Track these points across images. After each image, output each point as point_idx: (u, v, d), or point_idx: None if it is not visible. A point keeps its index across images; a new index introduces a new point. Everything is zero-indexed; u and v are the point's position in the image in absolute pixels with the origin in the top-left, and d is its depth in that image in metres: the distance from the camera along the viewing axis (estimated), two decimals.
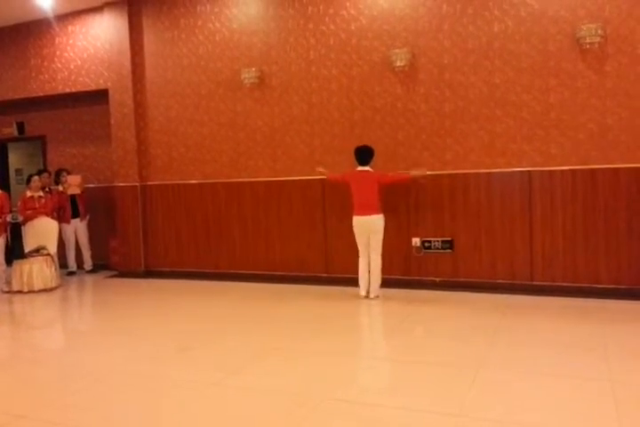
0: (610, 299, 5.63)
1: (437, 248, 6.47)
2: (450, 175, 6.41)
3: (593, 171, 5.83)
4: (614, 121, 5.75)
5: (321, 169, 6.39)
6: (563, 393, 3.34)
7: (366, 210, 5.84)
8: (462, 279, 6.39)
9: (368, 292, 6.00)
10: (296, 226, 7.19)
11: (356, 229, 5.97)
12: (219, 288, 7.07)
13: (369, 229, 5.88)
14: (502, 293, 6.04)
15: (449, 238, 6.44)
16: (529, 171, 6.09)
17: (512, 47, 6.09)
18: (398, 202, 6.64)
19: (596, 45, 5.74)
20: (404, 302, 5.90)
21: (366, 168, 5.91)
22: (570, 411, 3.09)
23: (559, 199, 5.98)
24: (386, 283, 6.59)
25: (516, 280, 6.17)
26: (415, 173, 6.04)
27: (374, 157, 5.96)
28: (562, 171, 5.96)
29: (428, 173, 6.31)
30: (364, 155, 5.95)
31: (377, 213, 5.86)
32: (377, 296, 5.94)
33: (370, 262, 5.96)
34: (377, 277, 5.96)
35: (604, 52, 5.75)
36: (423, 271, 6.57)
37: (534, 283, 6.09)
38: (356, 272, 6.26)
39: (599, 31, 5.67)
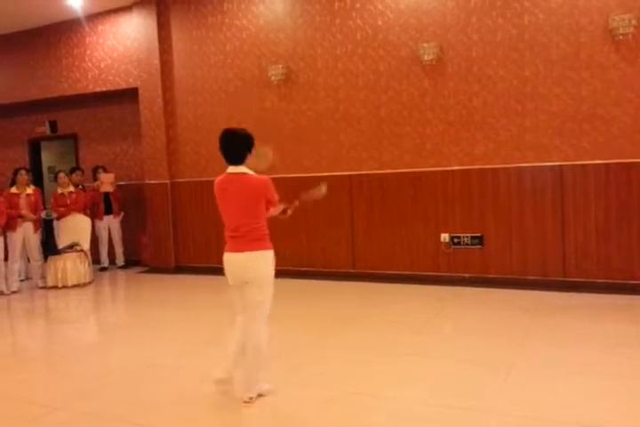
0: None
1: (467, 244, 6.42)
2: (479, 170, 6.34)
3: (627, 165, 5.71)
4: None
5: None
6: (596, 391, 3.29)
7: (238, 243, 3.31)
8: (492, 276, 6.32)
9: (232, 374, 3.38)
10: (323, 222, 7.20)
11: (227, 276, 3.41)
12: None
13: (244, 276, 3.32)
14: (534, 289, 5.96)
15: (478, 234, 6.37)
16: (560, 165, 5.98)
17: (542, 39, 5.98)
18: (427, 197, 6.60)
19: (630, 36, 5.60)
20: (433, 299, 5.86)
21: (240, 169, 3.32)
22: (603, 408, 3.04)
23: (592, 194, 5.86)
24: (414, 279, 6.58)
25: (547, 277, 6.08)
26: (309, 195, 3.95)
27: (253, 150, 3.39)
28: (594, 165, 5.84)
29: (460, 166, 6.22)
30: (233, 147, 3.32)
31: (256, 247, 3.31)
32: (250, 399, 3.28)
33: (245, 336, 3.35)
34: (255, 365, 3.33)
35: (638, 43, 5.61)
36: (452, 268, 6.52)
37: (567, 279, 5.99)
38: (383, 267, 6.21)
39: (633, 22, 5.54)
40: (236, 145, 3.32)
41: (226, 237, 3.39)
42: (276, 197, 3.46)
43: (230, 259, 3.35)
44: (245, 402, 3.29)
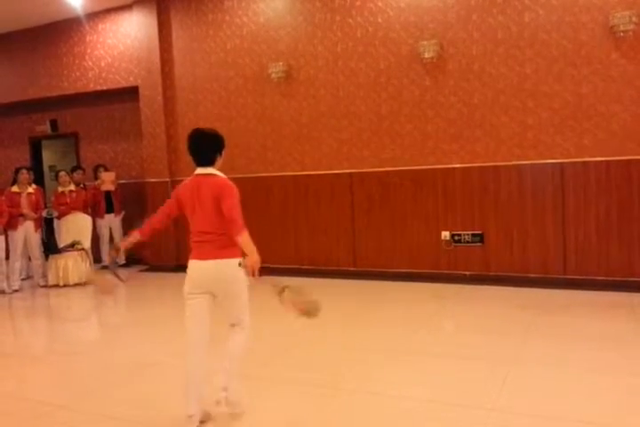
0: None
1: (467, 242, 6.42)
2: (480, 168, 6.34)
3: (628, 162, 5.70)
4: None
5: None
6: (597, 388, 3.30)
7: (205, 250, 3.03)
8: (493, 273, 6.33)
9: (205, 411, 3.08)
10: (324, 220, 7.21)
11: (188, 285, 3.06)
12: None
13: (212, 288, 3.04)
14: (534, 287, 5.96)
15: (479, 232, 6.38)
16: (561, 163, 5.98)
17: (543, 36, 5.97)
18: (427, 195, 6.61)
19: (631, 33, 5.60)
20: (434, 297, 5.86)
21: (209, 170, 3.09)
22: (603, 405, 3.05)
23: (593, 191, 5.86)
24: (415, 277, 6.59)
25: (548, 274, 6.08)
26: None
27: (223, 151, 3.15)
28: (595, 162, 5.84)
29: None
30: (203, 147, 3.10)
31: (225, 254, 3.02)
32: (234, 402, 3.08)
33: (229, 345, 3.12)
34: (237, 369, 3.11)
35: (639, 40, 5.60)
36: (453, 265, 6.53)
37: (567, 277, 6.00)
38: (384, 265, 6.16)
39: (633, 19, 5.53)
40: (205, 146, 3.08)
41: (191, 242, 3.08)
42: (237, 202, 2.99)
43: (197, 266, 3.04)
44: (236, 414, 3.11)
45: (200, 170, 3.09)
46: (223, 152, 3.15)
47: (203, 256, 3.02)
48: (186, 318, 3.06)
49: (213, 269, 3.00)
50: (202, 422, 3.03)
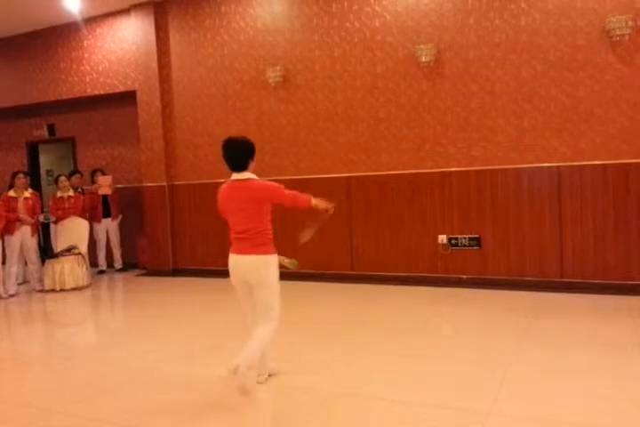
0: None
1: (464, 245, 6.42)
2: (477, 171, 6.34)
3: (624, 165, 5.71)
4: None
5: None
6: (593, 391, 3.29)
7: (243, 246, 3.47)
8: (490, 277, 6.32)
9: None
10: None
11: (231, 278, 3.60)
12: None
13: (248, 279, 3.49)
14: (531, 290, 5.96)
15: (476, 235, 6.37)
16: (558, 166, 5.99)
17: (540, 40, 6.00)
18: (424, 199, 6.61)
19: (627, 37, 5.62)
20: (431, 301, 5.86)
21: (245, 175, 3.48)
22: (600, 409, 3.03)
23: (589, 195, 5.87)
24: (412, 281, 6.58)
25: (545, 277, 6.08)
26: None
27: (255, 156, 3.54)
28: (592, 166, 5.85)
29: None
30: (236, 154, 3.47)
31: (260, 251, 3.47)
32: (236, 369, 3.23)
33: (255, 331, 3.52)
34: (255, 347, 3.40)
35: (635, 44, 5.63)
36: (450, 269, 6.52)
37: (564, 280, 5.99)
38: (381, 269, 6.14)
39: (630, 23, 5.55)
40: (237, 153, 3.47)
41: (231, 238, 3.55)
42: (283, 190, 3.54)
43: (234, 260, 3.53)
44: (259, 382, 3.57)
45: (236, 175, 3.49)
46: (255, 157, 3.53)
47: (241, 251, 3.50)
48: (240, 305, 3.67)
49: (248, 263, 3.47)
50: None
